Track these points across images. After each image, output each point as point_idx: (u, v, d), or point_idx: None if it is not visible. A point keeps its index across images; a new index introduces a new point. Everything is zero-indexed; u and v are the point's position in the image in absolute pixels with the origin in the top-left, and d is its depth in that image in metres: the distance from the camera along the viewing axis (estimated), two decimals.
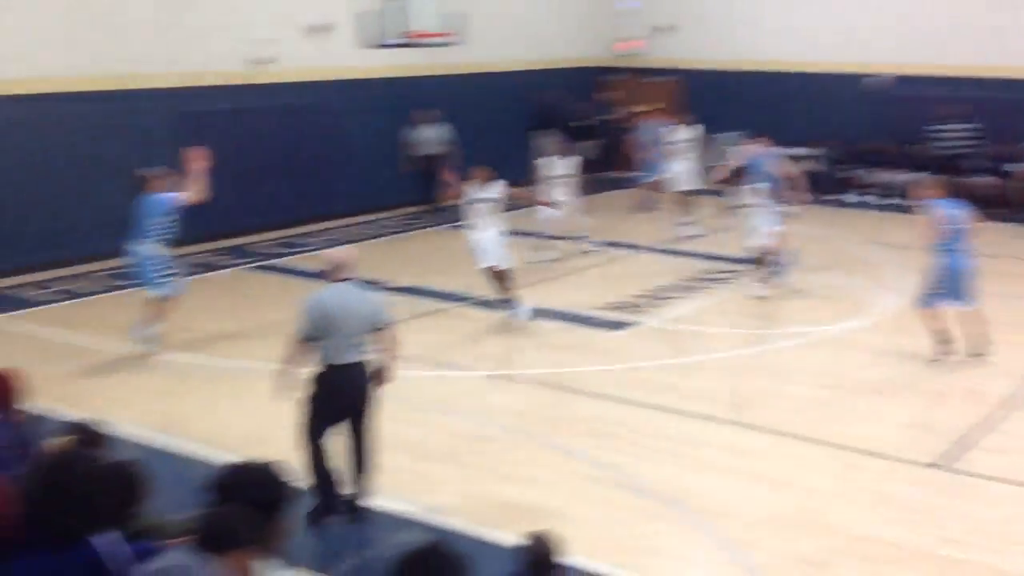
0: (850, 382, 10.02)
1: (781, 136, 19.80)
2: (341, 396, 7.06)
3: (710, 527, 7.12)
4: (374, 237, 16.81)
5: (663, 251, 15.71)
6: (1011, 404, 9.45)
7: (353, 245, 15.86)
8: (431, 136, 18.09)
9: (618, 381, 10.06)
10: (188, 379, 10.18)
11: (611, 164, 21.62)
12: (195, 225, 15.22)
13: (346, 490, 7.23)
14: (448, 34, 17.11)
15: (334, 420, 7.10)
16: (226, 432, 8.72)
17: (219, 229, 15.63)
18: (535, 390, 9.89)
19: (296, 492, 3.88)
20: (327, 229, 16.97)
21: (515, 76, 20.65)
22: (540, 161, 14.70)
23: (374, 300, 7.26)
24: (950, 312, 10.39)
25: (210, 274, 14.35)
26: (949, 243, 10.12)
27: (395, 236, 16.97)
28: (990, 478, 8.00)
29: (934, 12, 19.41)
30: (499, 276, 11.94)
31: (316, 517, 7.06)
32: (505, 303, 11.96)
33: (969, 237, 10.25)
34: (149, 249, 10.76)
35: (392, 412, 9.00)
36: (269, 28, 16.37)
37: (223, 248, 15.76)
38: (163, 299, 10.85)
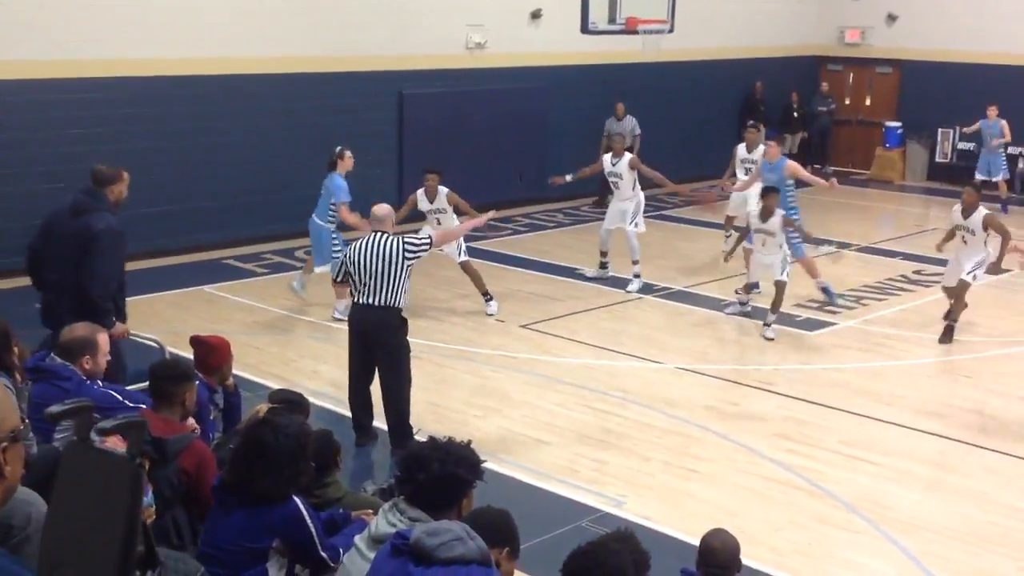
0: None
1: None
2: (359, 334, 7.87)
3: (899, 539, 6.95)
4: (578, 224, 16.99)
5: (869, 250, 15.28)
6: None
7: (565, 230, 16.22)
8: (626, 128, 17.65)
9: (809, 381, 9.90)
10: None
11: (816, 157, 21.06)
12: (402, 202, 15.91)
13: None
14: (663, 20, 17.03)
15: (356, 356, 7.94)
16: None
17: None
18: (724, 385, 9.84)
19: (486, 472, 4.00)
20: (527, 214, 17.23)
21: (730, 64, 20.35)
22: (739, 151, 14.43)
23: (396, 251, 7.76)
24: None
25: None
26: None
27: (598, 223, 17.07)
28: None
29: None
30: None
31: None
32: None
33: None
34: (327, 226, 11.29)
35: (575, 399, 9.27)
36: (486, 12, 16.72)
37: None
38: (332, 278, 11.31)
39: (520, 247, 15.13)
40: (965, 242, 11.07)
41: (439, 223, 11.56)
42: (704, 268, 13.99)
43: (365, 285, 7.82)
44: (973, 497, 7.62)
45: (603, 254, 13.35)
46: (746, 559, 6.14)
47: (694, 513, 7.12)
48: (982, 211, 10.94)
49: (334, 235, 11.36)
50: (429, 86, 16.12)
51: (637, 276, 12.96)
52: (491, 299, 11.76)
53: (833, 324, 11.69)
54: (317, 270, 11.58)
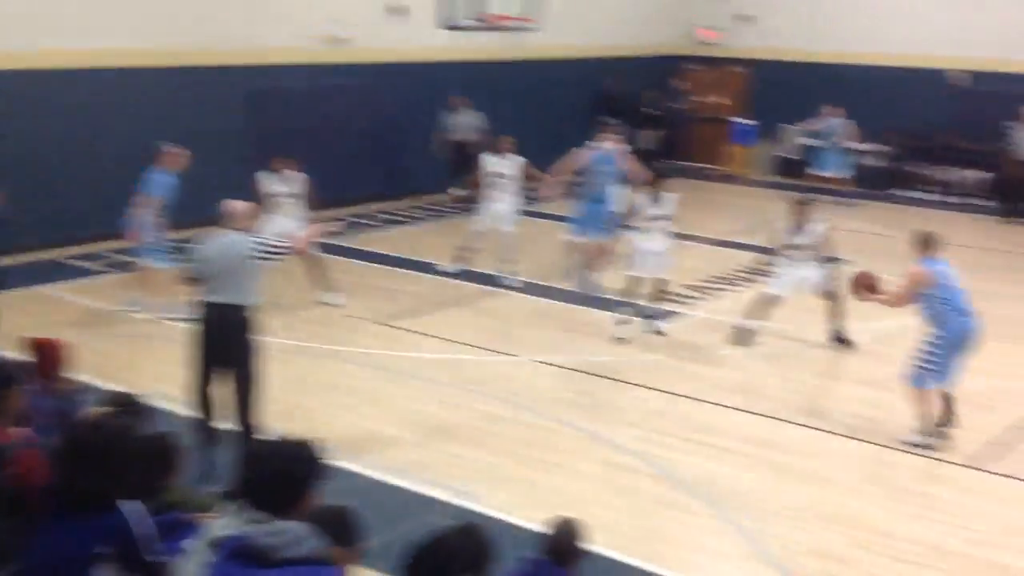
0: (891, 379, 9.98)
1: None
2: (205, 332, 7.69)
3: (734, 518, 7.23)
4: (435, 218, 17.03)
5: (718, 243, 15.75)
6: None
7: (416, 226, 16.23)
8: (466, 122, 17.77)
9: (658, 371, 10.17)
10: None
11: (674, 154, 21.59)
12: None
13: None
14: (526, 19, 17.22)
15: (201, 355, 7.74)
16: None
17: None
18: (576, 376, 10.04)
19: (327, 468, 4.00)
20: (384, 210, 17.18)
21: (589, 63, 20.67)
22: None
23: (245, 249, 7.61)
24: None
25: None
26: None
27: (459, 217, 17.14)
28: (1016, 478, 7.99)
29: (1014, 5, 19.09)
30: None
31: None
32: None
33: None
34: (151, 222, 11.12)
35: (429, 394, 9.33)
36: (346, 8, 16.59)
37: None
38: (156, 271, 11.19)
39: (377, 243, 15.10)
40: (798, 257, 10.88)
41: (285, 208, 11.65)
42: (558, 262, 14.18)
43: (212, 283, 7.73)
44: (809, 476, 7.97)
45: (466, 249, 13.41)
46: (593, 545, 6.32)
47: (544, 503, 7.23)
48: (819, 223, 10.88)
49: (155, 230, 11.15)
50: (284, 82, 15.92)
51: (515, 275, 13.06)
52: (332, 292, 11.88)
53: (681, 315, 12.02)
54: (143, 264, 11.37)
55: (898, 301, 8.63)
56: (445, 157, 17.67)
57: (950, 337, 8.34)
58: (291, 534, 3.41)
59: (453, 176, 17.62)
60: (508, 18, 16.66)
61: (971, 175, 19.29)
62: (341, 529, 3.90)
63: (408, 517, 6.94)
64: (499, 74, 18.77)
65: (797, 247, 10.84)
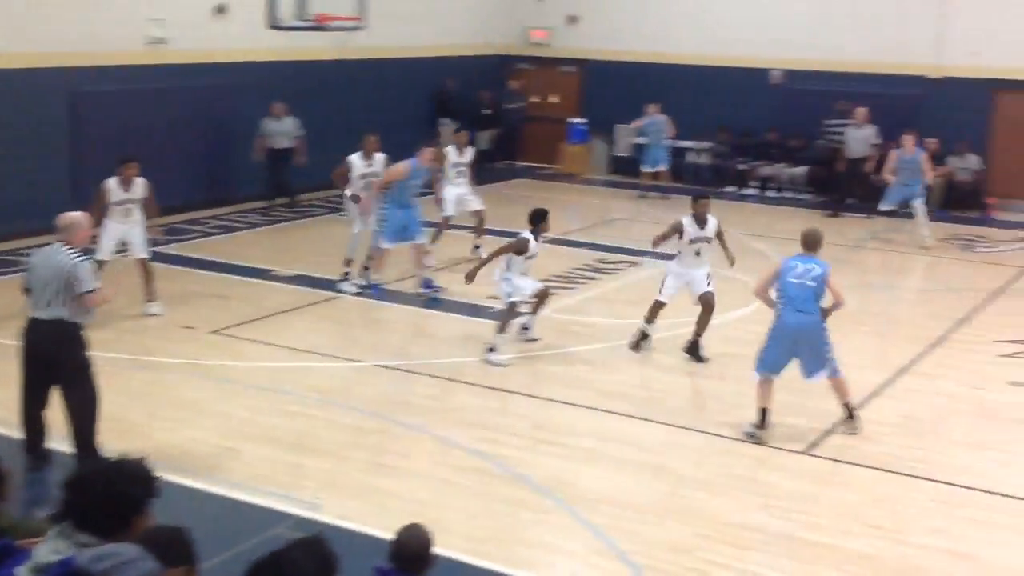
0: (732, 371, 10.29)
1: (680, 128, 20.32)
2: (31, 349, 7.43)
3: (584, 516, 7.27)
4: (271, 224, 16.66)
5: (558, 242, 15.89)
6: (879, 393, 9.82)
7: (243, 232, 15.82)
8: (284, 128, 17.24)
9: (503, 371, 10.18)
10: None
11: (509, 154, 21.72)
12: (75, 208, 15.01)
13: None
14: (354, 17, 16.99)
15: (28, 374, 7.48)
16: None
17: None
18: (421, 380, 9.95)
19: (160, 487, 3.83)
20: (216, 216, 16.70)
21: (421, 63, 20.57)
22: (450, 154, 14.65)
23: (69, 263, 7.35)
24: None
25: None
26: None
27: (293, 223, 16.82)
28: (851, 463, 8.32)
29: (832, 7, 19.93)
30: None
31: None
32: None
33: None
34: None
35: (269, 404, 9.10)
36: (166, 6, 16.06)
37: None
38: None
39: (210, 250, 14.64)
40: (699, 254, 10.66)
41: (129, 214, 11.29)
42: (401, 264, 14.04)
43: (38, 297, 7.36)
44: (653, 470, 8.10)
45: (349, 263, 12.79)
46: (442, 549, 6.23)
47: (392, 510, 7.14)
48: (715, 219, 10.87)
49: None
50: (106, 84, 15.28)
51: (348, 276, 12.79)
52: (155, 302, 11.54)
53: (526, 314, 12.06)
54: None
55: (755, 291, 9.08)
56: (262, 163, 17.22)
57: (777, 328, 8.66)
58: (120, 557, 3.26)
59: (269, 183, 17.28)
60: (335, 17, 16.41)
61: (793, 171, 20.03)
62: (174, 550, 3.73)
63: (251, 533, 6.73)
64: (332, 75, 18.48)
65: (698, 242, 10.63)
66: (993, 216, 18.40)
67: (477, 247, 14.20)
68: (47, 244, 7.68)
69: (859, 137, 18.17)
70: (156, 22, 15.89)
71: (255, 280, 13.19)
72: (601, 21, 21.90)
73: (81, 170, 14.74)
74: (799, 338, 8.63)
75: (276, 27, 15.89)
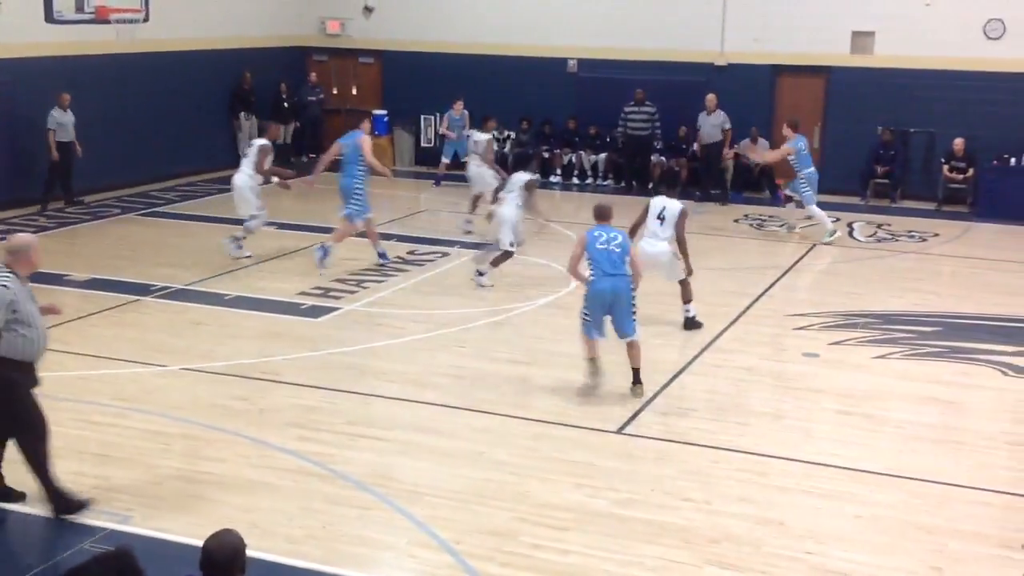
0: (541, 356, 10.47)
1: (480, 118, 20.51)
2: None
3: (407, 508, 7.26)
4: (60, 227, 15.87)
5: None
6: (687, 370, 10.21)
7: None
8: (70, 119, 16.51)
9: (316, 368, 10.05)
10: None
11: (312, 147, 21.38)
12: None
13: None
14: (136, 10, 16.40)
15: None
16: None
17: None
18: (231, 381, 9.70)
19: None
20: (10, 219, 15.80)
21: (216, 55, 19.99)
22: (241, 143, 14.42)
23: None
24: None
25: None
26: None
27: (83, 224, 16.09)
28: (661, 439, 8.61)
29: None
30: None
31: None
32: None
33: None
34: None
35: (72, 414, 8.69)
36: None
37: None
38: None
39: None
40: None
41: None
42: (201, 264, 13.66)
43: None
44: (470, 458, 8.15)
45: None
46: (259, 552, 6.14)
47: (207, 516, 6.95)
48: (678, 204, 11.24)
49: None
50: None
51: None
52: None
53: (337, 309, 11.95)
54: None
55: (569, 269, 9.81)
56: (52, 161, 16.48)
57: (593, 294, 9.37)
58: None
59: (49, 182, 16.55)
60: (116, 10, 15.80)
61: (594, 157, 20.49)
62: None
63: (60, 547, 6.45)
64: (116, 69, 17.74)
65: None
66: (781, 196, 19.34)
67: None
68: None
69: (712, 123, 18.84)
70: None
71: (49, 286, 12.54)
72: (395, 12, 21.83)
73: None
74: (613, 300, 9.28)
75: (54, 20, 15.16)
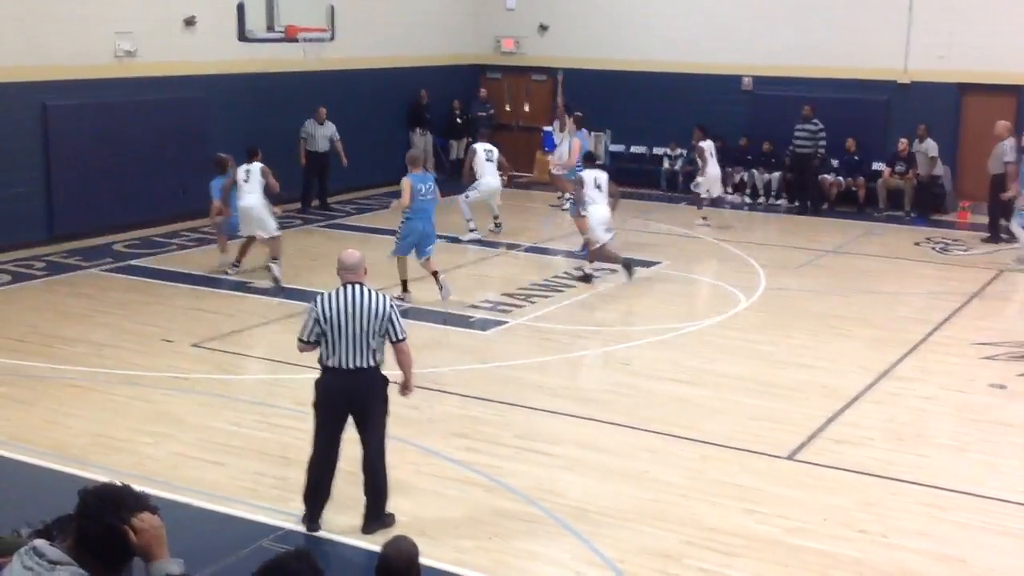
0: (708, 377, 10.31)
1: (654, 135, 20.49)
2: (336, 401, 7.10)
3: (572, 524, 7.25)
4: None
5: (535, 249, 15.92)
6: (863, 398, 9.87)
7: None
8: (326, 132, 18.25)
9: (483, 380, 10.15)
10: (37, 386, 9.80)
11: None
12: (52, 224, 14.87)
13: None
14: (323, 29, 16.93)
15: (330, 426, 7.14)
16: (73, 442, 8.49)
17: (77, 228, 15.23)
18: (416, 390, 9.86)
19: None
20: (192, 228, 16.56)
21: (392, 73, 20.54)
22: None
23: (383, 307, 7.07)
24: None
25: (64, 275, 13.53)
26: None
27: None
28: (835, 468, 8.34)
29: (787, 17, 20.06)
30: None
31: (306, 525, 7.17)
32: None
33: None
34: None
35: (254, 416, 9.03)
36: (134, 19, 15.97)
37: (82, 248, 15.00)
38: None
39: (188, 262, 14.54)
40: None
41: None
42: (383, 274, 13.98)
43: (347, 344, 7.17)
44: (635, 477, 8.09)
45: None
46: (428, 560, 6.22)
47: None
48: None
49: None
50: (74, 97, 15.17)
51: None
52: None
53: (505, 323, 12.06)
54: None
55: (401, 206, 12.47)
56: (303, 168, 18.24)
57: (413, 231, 12.46)
58: None
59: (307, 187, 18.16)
60: (304, 29, 16.38)
61: (767, 176, 20.13)
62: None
63: (240, 544, 6.70)
64: (303, 86, 18.42)
65: None
66: (964, 220, 18.55)
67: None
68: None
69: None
70: (123, 35, 15.80)
71: (235, 292, 13.11)
72: (570, 30, 21.96)
73: (57, 184, 14.73)
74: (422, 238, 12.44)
75: (246, 39, 15.83)
